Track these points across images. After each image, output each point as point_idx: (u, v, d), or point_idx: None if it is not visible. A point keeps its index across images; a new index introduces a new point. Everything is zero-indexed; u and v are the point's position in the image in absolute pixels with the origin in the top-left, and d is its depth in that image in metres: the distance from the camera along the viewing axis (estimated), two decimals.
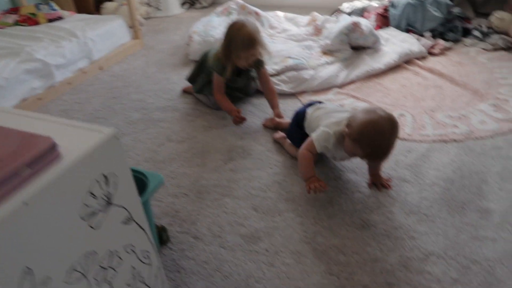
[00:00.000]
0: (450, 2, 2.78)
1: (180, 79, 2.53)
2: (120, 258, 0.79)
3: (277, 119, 1.92)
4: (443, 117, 1.92)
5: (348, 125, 1.37)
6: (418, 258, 1.24)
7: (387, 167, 1.62)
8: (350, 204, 1.46)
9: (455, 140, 1.76)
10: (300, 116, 1.68)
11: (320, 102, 1.72)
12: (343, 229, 1.37)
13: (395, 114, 1.94)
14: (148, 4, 4.00)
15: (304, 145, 1.48)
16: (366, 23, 2.54)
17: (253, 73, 2.07)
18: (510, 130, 1.79)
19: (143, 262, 0.87)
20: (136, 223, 0.82)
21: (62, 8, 3.30)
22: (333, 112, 1.56)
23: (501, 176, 1.55)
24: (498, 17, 2.62)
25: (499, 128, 1.80)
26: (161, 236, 1.35)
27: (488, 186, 1.49)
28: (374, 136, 1.30)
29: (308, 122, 1.62)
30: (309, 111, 1.64)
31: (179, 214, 1.49)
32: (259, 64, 1.94)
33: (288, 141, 1.77)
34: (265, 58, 1.96)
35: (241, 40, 1.79)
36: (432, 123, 1.89)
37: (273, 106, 1.97)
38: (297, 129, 1.69)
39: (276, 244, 1.34)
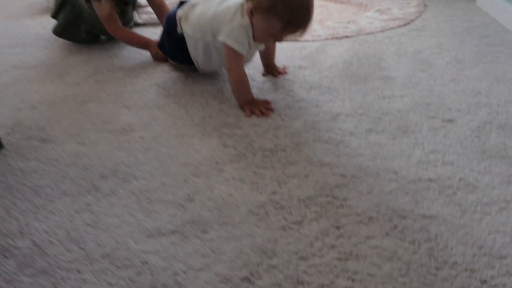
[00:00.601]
0: None
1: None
2: None
3: None
4: (333, 23, 1.83)
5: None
6: (325, 119, 1.05)
7: (281, 61, 1.43)
8: None
9: (347, 36, 1.66)
10: (171, 22, 1.31)
11: None
12: (236, 110, 1.12)
13: None
14: None
15: (228, 61, 1.14)
16: None
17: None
18: (398, 26, 1.76)
19: None
20: None
21: None
22: (217, 5, 1.22)
23: (397, 54, 1.47)
24: None
25: (386, 25, 1.76)
26: None
27: (386, 63, 1.39)
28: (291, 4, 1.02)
29: (188, 26, 1.26)
30: (181, 13, 1.27)
31: (21, 124, 1.10)
32: None
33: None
34: None
35: None
36: (322, 27, 1.78)
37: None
38: (170, 39, 1.33)
39: (154, 132, 1.04)
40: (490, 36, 1.60)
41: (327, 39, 1.65)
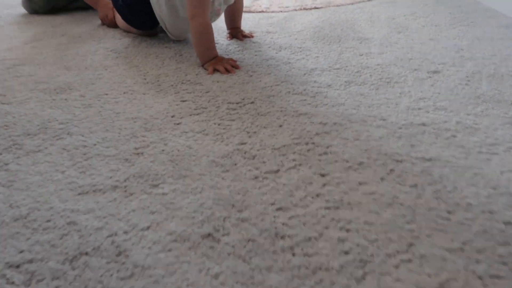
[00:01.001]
0: None
1: None
2: None
3: None
4: None
5: None
6: (298, 74, 0.92)
7: (247, 28, 1.29)
8: None
9: (316, 8, 1.55)
10: None
11: None
12: (197, 68, 0.98)
13: (249, 1, 1.67)
14: None
15: (190, 6, 0.96)
16: None
17: None
18: None
19: None
20: None
21: None
22: None
23: (370, 20, 1.37)
24: None
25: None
26: None
27: (360, 27, 1.29)
28: None
29: None
30: None
31: None
32: None
33: (118, 16, 1.29)
34: None
35: None
36: (291, 1, 1.67)
37: None
38: None
39: (98, 90, 0.87)
40: (463, 6, 1.54)
41: (295, 10, 1.53)
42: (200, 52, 0.99)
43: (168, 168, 0.60)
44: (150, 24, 1.16)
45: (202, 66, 0.98)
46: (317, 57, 1.03)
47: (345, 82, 0.87)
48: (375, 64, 0.97)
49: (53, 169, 0.60)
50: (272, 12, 1.51)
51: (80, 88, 0.88)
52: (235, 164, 0.60)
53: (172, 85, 0.88)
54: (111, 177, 0.58)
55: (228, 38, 1.20)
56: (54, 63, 1.03)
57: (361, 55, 1.04)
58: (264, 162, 0.60)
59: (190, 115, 0.75)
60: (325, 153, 0.62)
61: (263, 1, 1.66)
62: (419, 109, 0.75)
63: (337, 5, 1.58)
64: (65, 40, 1.22)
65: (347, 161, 0.60)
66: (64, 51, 1.12)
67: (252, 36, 1.21)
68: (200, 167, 0.60)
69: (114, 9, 1.29)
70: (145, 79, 0.92)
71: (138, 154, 0.63)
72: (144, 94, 0.85)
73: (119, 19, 1.28)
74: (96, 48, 1.14)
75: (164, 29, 1.13)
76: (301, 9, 1.53)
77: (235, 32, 1.21)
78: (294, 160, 0.61)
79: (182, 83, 0.89)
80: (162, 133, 0.69)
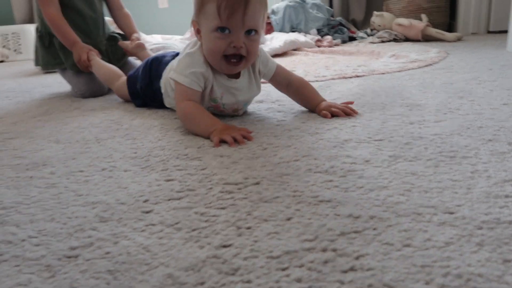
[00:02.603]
0: (330, 8, 2.70)
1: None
2: None
3: (137, 41, 1.42)
4: (340, 67, 1.56)
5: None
6: (326, 147, 0.71)
7: (274, 97, 1.13)
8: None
9: (357, 76, 1.38)
10: (156, 69, 1.06)
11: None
12: (201, 141, 0.79)
13: None
14: (6, 47, 3.41)
15: (177, 98, 0.88)
16: None
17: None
18: (418, 66, 1.47)
19: None
20: None
21: None
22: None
23: (422, 86, 1.15)
24: (378, 14, 2.55)
25: (405, 66, 1.48)
26: None
27: (410, 93, 1.07)
28: None
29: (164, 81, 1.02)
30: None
31: None
32: None
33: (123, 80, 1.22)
34: None
35: None
36: (328, 70, 1.51)
37: (132, 31, 1.48)
38: (147, 85, 1.08)
39: (74, 167, 0.71)
40: None
41: (333, 79, 1.36)
42: (196, 131, 0.83)
43: (100, 285, 0.38)
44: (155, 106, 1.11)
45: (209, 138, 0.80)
46: (354, 126, 0.81)
47: (390, 156, 0.64)
48: (432, 134, 0.73)
49: None
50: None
51: (56, 164, 0.72)
52: (202, 284, 0.37)
53: (162, 161, 0.70)
54: None
55: (328, 117, 0.90)
56: (47, 137, 0.90)
57: (412, 123, 0.81)
58: (249, 281, 0.37)
59: (169, 199, 0.55)
60: (353, 269, 0.38)
61: (298, 71, 1.52)
62: (506, 196, 0.49)
63: (382, 73, 1.40)
64: (76, 113, 1.12)
65: None
66: (66, 124, 1.01)
67: (355, 112, 0.91)
68: (147, 285, 0.38)
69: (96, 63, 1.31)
70: (135, 153, 0.75)
71: (70, 258, 0.43)
72: (125, 171, 0.67)
73: (122, 88, 1.20)
74: (101, 121, 1.01)
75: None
76: (339, 78, 1.36)
77: (326, 108, 0.91)
78: (299, 280, 0.37)
79: (177, 158, 0.71)
80: (120, 226, 0.49)
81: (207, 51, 0.85)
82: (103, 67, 1.30)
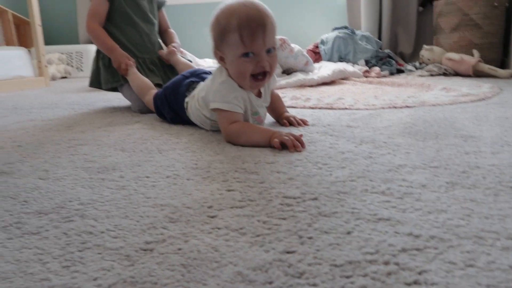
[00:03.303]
0: (379, 41, 2.72)
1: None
2: None
3: (175, 50, 1.57)
4: (390, 97, 1.57)
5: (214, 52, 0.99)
6: (381, 170, 0.72)
7: (326, 122, 1.15)
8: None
9: (407, 106, 1.38)
10: (180, 95, 1.15)
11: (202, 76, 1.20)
12: (257, 157, 0.83)
13: (332, 99, 1.57)
14: (69, 64, 3.68)
15: (221, 125, 0.98)
16: (296, 46, 2.34)
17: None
18: (471, 100, 1.45)
19: None
20: None
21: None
22: (205, 83, 1.11)
23: (476, 119, 1.14)
24: (428, 48, 2.55)
25: (456, 99, 1.47)
26: None
27: (463, 125, 1.07)
28: (233, 11, 0.91)
29: (190, 115, 1.13)
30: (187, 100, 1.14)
31: None
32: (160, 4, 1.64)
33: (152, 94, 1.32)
34: None
35: None
36: (377, 100, 1.52)
37: (171, 41, 1.64)
38: (174, 108, 1.19)
39: (141, 172, 0.76)
40: None
41: (383, 108, 1.37)
42: (257, 141, 0.91)
43: (175, 276, 0.42)
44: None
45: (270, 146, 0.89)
46: (408, 153, 0.82)
47: (447, 183, 0.65)
48: (489, 164, 0.73)
49: (36, 257, 0.46)
50: (357, 109, 1.37)
51: (124, 169, 0.78)
52: (270, 283, 0.40)
53: (222, 172, 0.74)
54: (94, 279, 0.41)
55: (283, 123, 1.12)
56: (113, 145, 0.97)
57: (467, 153, 0.81)
58: (315, 285, 0.39)
59: (232, 207, 0.58)
60: (417, 283, 0.39)
61: (347, 99, 1.54)
62: None
63: (433, 105, 1.39)
64: (137, 126, 1.20)
65: None
66: (129, 135, 1.08)
67: (307, 124, 1.12)
68: (219, 280, 0.40)
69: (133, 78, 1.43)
70: (196, 164, 0.80)
71: (146, 251, 0.47)
72: (188, 179, 0.71)
73: (150, 103, 1.32)
74: (161, 134, 1.08)
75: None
76: (389, 107, 1.37)
77: (285, 118, 1.13)
78: (364, 287, 0.38)
79: (235, 171, 0.74)
80: (188, 227, 0.53)
81: (236, 74, 0.95)
82: (136, 79, 1.42)
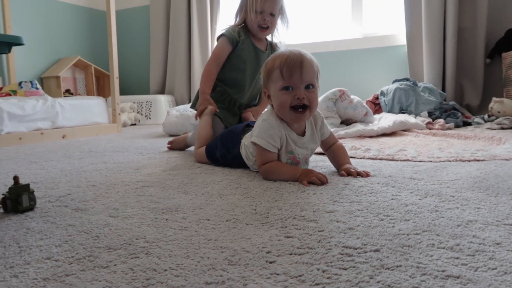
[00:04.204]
0: (443, 92, 2.65)
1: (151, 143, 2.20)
2: None
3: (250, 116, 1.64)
4: (456, 150, 1.50)
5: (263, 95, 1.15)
6: (449, 225, 0.68)
7: (387, 173, 1.13)
8: (330, 189, 0.94)
9: (476, 160, 1.31)
10: (232, 138, 1.28)
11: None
12: (316, 205, 0.83)
13: (394, 150, 1.53)
14: (139, 112, 3.98)
15: (257, 160, 1.11)
16: (355, 97, 2.34)
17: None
18: None
19: None
20: None
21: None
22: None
23: None
24: (497, 100, 2.42)
25: None
26: (19, 200, 0.82)
27: None
28: (279, 55, 1.07)
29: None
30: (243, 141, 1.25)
31: (69, 196, 0.97)
32: (272, 47, 1.72)
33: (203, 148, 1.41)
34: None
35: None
36: (443, 152, 1.46)
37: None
38: (226, 152, 1.29)
39: (202, 215, 0.79)
40: None
41: (448, 160, 1.31)
42: (286, 178, 1.05)
43: None
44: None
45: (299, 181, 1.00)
46: (478, 208, 0.77)
47: None
48: None
49: None
50: (420, 161, 1.32)
51: (186, 211, 0.82)
52: None
53: (281, 219, 0.74)
54: None
55: (342, 174, 1.10)
56: (177, 188, 1.02)
57: None
58: None
59: (290, 254, 0.58)
60: None
61: (409, 151, 1.50)
62: None
63: (506, 159, 1.31)
64: (199, 171, 1.25)
65: None
66: (192, 179, 1.13)
67: (369, 175, 1.08)
68: None
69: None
70: (254, 209, 0.81)
71: None
72: (247, 224, 0.72)
73: (200, 153, 1.40)
74: (221, 179, 1.11)
75: None
76: (456, 160, 1.31)
77: (346, 169, 1.11)
78: None
79: (294, 218, 0.74)
80: (247, 271, 0.53)
81: (277, 106, 1.07)
82: (202, 127, 1.50)
